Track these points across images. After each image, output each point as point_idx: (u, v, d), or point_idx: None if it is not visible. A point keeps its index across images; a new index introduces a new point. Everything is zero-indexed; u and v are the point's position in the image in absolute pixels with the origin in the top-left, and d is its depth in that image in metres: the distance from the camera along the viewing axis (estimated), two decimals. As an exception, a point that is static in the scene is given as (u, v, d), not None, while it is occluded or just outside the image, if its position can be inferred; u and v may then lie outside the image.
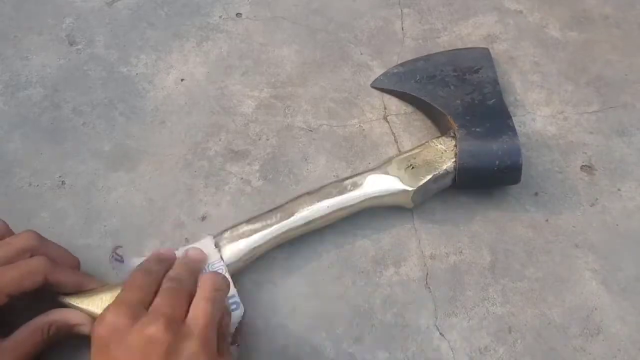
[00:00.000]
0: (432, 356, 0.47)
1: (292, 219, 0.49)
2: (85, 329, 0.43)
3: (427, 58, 0.64)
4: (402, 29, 0.70)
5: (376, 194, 0.51)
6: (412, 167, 0.52)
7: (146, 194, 0.56)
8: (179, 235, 0.53)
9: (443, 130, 0.56)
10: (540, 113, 0.62)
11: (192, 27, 0.70)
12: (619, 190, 0.56)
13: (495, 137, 0.52)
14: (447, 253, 0.52)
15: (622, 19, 0.71)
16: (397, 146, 0.59)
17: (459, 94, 0.57)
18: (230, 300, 0.44)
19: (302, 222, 0.50)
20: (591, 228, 0.54)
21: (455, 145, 0.52)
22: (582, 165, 0.58)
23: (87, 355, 0.37)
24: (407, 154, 0.53)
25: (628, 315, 0.49)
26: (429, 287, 0.50)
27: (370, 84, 0.63)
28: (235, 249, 0.48)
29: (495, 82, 0.59)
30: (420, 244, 0.53)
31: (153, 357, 0.34)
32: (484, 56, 0.62)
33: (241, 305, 0.44)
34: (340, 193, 0.51)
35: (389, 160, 0.53)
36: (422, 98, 0.59)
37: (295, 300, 0.50)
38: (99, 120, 0.61)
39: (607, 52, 0.67)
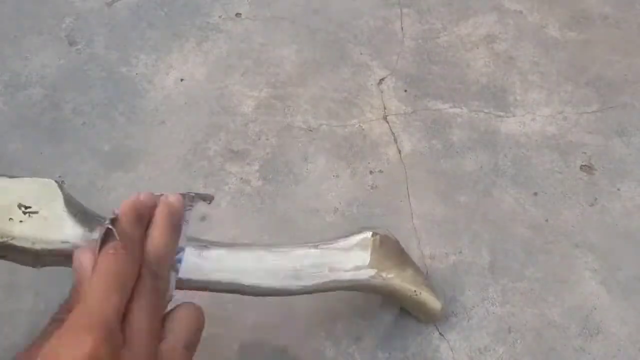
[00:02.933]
0: (432, 356, 0.47)
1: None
2: None
3: None
4: (402, 29, 0.70)
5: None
6: None
7: (146, 194, 0.56)
8: (178, 235, 0.53)
9: None
10: (540, 113, 0.62)
11: (192, 27, 0.70)
12: (618, 190, 0.56)
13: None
14: (446, 253, 0.52)
15: (621, 19, 0.71)
16: (397, 146, 0.59)
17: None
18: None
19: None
20: (591, 228, 0.54)
21: None
22: (582, 165, 0.58)
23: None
24: None
25: (628, 315, 0.49)
26: (429, 287, 0.50)
27: None
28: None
29: None
30: (420, 244, 0.53)
31: None
32: None
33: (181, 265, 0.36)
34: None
35: None
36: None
37: (295, 300, 0.50)
38: (98, 120, 0.61)
39: (607, 52, 0.67)
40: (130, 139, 0.60)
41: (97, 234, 0.35)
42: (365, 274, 0.43)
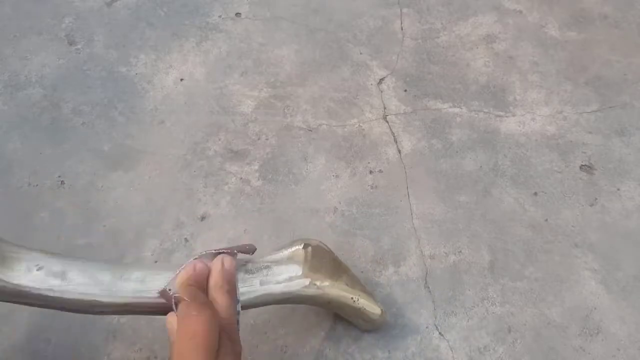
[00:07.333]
0: (432, 356, 0.47)
1: None
2: None
3: None
4: (402, 29, 0.70)
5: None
6: None
7: (145, 193, 0.56)
8: (178, 235, 0.53)
9: None
10: (540, 113, 0.62)
11: (192, 27, 0.70)
12: (618, 190, 0.56)
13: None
14: (446, 253, 0.52)
15: (621, 19, 0.71)
16: (397, 146, 0.59)
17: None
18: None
19: None
20: (590, 228, 0.54)
21: None
22: (582, 165, 0.58)
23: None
24: None
25: (627, 315, 0.49)
26: (429, 287, 0.50)
27: None
28: None
29: None
30: (420, 243, 0.53)
31: None
32: None
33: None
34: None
35: None
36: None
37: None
38: (98, 120, 0.61)
39: (606, 52, 0.67)
40: (130, 138, 0.60)
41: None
42: (299, 285, 0.42)
